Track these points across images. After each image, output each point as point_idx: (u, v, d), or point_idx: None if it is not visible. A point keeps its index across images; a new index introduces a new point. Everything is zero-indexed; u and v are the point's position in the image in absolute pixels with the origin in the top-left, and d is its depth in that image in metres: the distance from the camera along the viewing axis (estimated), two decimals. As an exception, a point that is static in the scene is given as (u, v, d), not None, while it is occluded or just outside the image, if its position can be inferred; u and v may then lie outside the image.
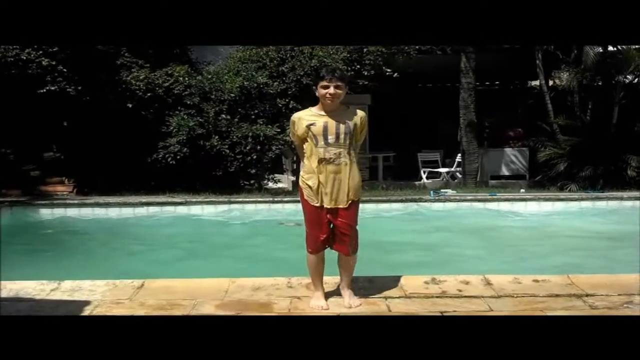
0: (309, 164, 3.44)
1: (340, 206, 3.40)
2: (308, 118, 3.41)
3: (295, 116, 3.49)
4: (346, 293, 3.55)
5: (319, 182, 3.38)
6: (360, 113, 3.46)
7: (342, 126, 3.34)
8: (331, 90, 3.30)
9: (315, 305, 3.47)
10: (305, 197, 3.46)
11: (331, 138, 3.34)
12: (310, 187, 3.41)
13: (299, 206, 3.58)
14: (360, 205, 3.56)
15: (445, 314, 3.34)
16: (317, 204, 3.42)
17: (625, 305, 3.50)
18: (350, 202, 3.42)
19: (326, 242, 3.48)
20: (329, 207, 3.40)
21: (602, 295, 3.67)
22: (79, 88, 9.05)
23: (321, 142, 3.35)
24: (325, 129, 3.34)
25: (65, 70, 8.92)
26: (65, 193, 9.54)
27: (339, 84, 3.31)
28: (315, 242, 3.45)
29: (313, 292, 3.57)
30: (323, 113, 3.38)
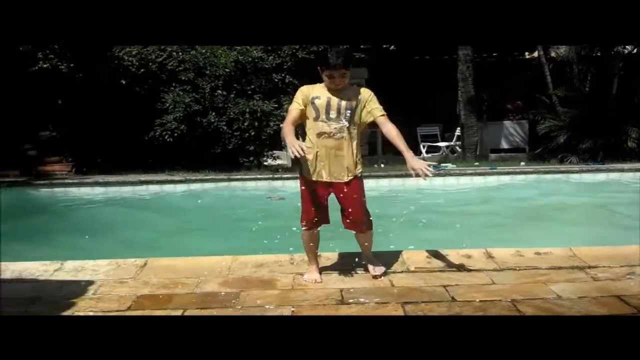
0: (308, 138, 3.42)
1: (340, 181, 3.39)
2: (313, 90, 3.39)
3: (304, 87, 3.46)
4: (370, 264, 3.61)
5: (317, 155, 3.36)
6: (365, 92, 3.44)
7: (344, 102, 3.35)
8: (336, 80, 3.30)
9: (309, 278, 3.54)
10: (303, 171, 3.45)
11: (333, 113, 3.34)
12: (307, 160, 3.40)
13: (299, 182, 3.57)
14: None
15: (447, 287, 3.36)
16: (314, 178, 3.40)
17: (627, 276, 3.52)
18: (351, 177, 3.40)
19: (321, 220, 3.48)
20: (327, 181, 3.39)
21: (604, 267, 3.69)
22: (71, 65, 8.92)
23: (322, 116, 3.34)
24: (328, 104, 3.34)
25: (56, 47, 8.78)
26: (63, 172, 9.51)
27: (344, 72, 3.28)
28: (308, 218, 3.46)
29: (307, 266, 3.61)
30: (328, 89, 3.37)
